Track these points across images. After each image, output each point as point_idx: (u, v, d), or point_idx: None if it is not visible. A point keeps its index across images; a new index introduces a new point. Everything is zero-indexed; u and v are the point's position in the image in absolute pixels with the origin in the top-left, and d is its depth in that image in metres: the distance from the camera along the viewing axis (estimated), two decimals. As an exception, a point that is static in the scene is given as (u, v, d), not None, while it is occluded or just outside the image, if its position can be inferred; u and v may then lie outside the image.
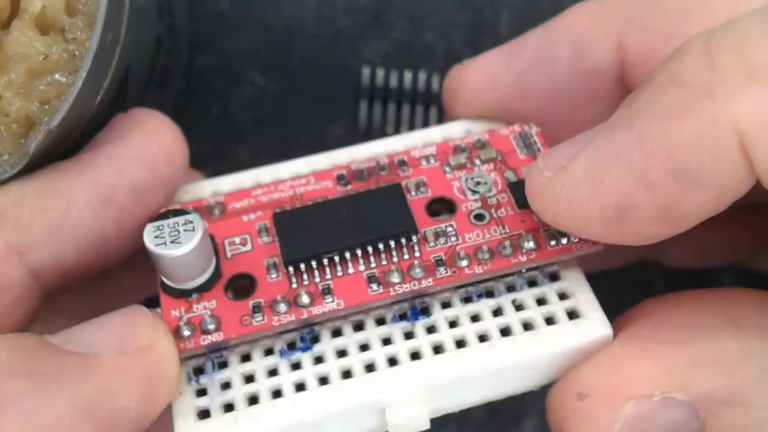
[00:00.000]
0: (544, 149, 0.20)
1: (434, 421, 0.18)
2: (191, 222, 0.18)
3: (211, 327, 0.17)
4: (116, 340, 0.16)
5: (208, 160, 0.28)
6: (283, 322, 0.17)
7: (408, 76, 0.28)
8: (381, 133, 0.29)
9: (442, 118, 0.28)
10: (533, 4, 0.28)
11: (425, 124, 0.29)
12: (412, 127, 0.29)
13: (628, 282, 0.26)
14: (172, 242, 0.17)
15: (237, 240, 0.19)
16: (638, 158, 0.15)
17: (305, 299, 0.18)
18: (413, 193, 0.19)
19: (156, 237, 0.17)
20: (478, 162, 0.20)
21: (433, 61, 0.29)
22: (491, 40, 0.28)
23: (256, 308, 0.18)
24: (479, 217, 0.19)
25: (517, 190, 0.19)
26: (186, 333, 0.17)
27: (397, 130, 0.29)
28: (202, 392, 0.18)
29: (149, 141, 0.19)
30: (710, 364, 0.17)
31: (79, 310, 0.21)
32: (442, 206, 0.19)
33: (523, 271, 0.18)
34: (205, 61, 0.28)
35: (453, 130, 0.21)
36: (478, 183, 0.19)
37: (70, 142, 0.19)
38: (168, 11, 0.24)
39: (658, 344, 0.17)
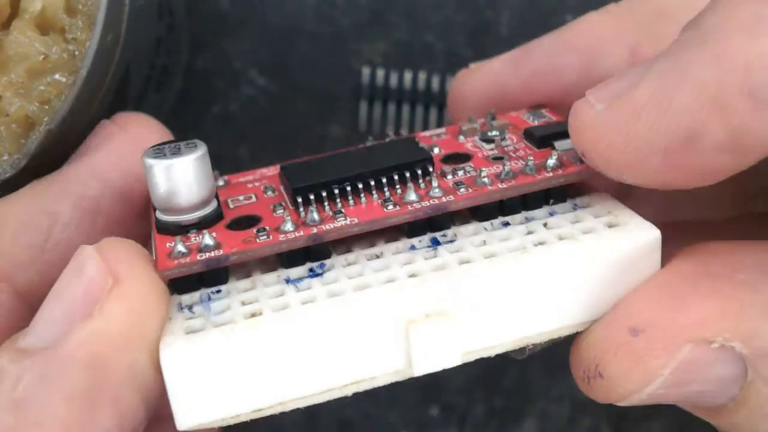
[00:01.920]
0: (557, 117, 0.19)
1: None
2: (194, 143, 0.16)
3: (210, 244, 0.16)
4: (79, 307, 0.15)
5: (208, 160, 0.28)
6: (291, 238, 0.16)
7: (408, 76, 0.28)
8: (381, 133, 0.29)
9: (442, 118, 0.28)
10: (533, 4, 0.28)
11: (425, 124, 0.29)
12: (412, 127, 0.29)
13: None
14: (172, 154, 0.16)
15: (241, 198, 0.18)
16: (712, 75, 0.14)
17: (315, 217, 0.16)
18: (426, 148, 0.18)
19: (155, 154, 0.16)
20: (489, 131, 0.19)
21: (433, 61, 0.28)
22: (491, 40, 0.28)
23: (261, 230, 0.16)
24: (498, 159, 0.18)
25: (533, 134, 0.18)
26: (181, 251, 0.16)
27: (397, 131, 0.29)
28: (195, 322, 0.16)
29: (135, 146, 0.18)
30: None
31: None
32: (457, 160, 0.18)
33: (551, 202, 0.17)
34: (205, 61, 0.28)
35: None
36: (493, 136, 0.19)
37: (70, 142, 0.19)
38: (168, 11, 0.24)
39: (731, 286, 0.15)
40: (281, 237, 0.16)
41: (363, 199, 0.17)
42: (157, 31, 0.23)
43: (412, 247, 0.16)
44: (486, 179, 0.17)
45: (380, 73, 0.28)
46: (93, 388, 0.14)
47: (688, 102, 0.14)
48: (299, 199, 0.17)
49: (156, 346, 0.15)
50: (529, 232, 0.17)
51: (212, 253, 0.15)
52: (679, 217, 0.22)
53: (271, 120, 0.29)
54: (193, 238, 0.16)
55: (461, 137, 0.19)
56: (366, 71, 0.28)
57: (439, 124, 0.28)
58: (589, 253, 0.16)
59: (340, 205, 0.16)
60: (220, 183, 0.19)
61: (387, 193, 0.17)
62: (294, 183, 0.17)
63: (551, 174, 0.17)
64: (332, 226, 0.16)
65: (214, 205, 0.17)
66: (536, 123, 0.19)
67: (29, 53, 0.18)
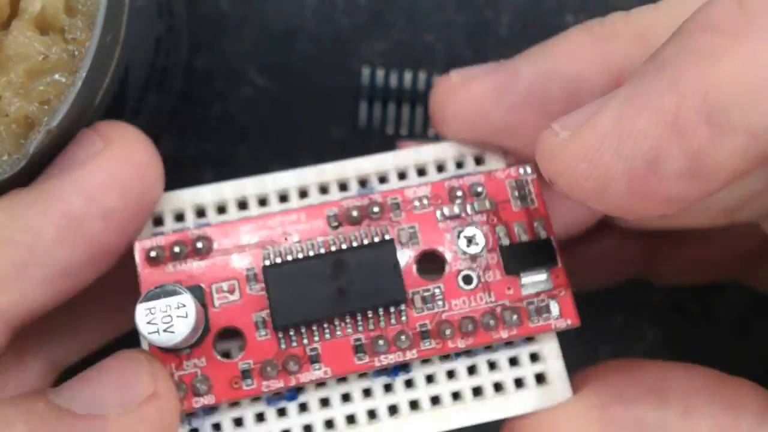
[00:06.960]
0: (539, 201, 0.19)
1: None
2: (184, 306, 0.17)
3: (203, 389, 0.18)
4: (119, 395, 0.16)
5: (208, 160, 0.28)
6: (272, 388, 0.18)
7: (408, 76, 0.28)
8: (381, 133, 0.29)
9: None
10: (533, 4, 0.28)
11: (425, 124, 0.29)
12: (411, 127, 0.29)
13: (618, 303, 0.26)
14: (165, 330, 0.17)
15: (225, 286, 0.19)
16: (671, 102, 0.14)
17: (293, 366, 0.18)
18: (404, 242, 0.19)
19: (149, 323, 0.17)
20: (470, 211, 0.19)
21: (433, 61, 0.28)
22: (491, 41, 0.28)
23: (246, 373, 0.18)
24: (467, 279, 0.19)
25: (508, 254, 0.19)
26: (180, 393, 0.18)
27: (397, 131, 0.29)
28: None
29: (121, 162, 0.18)
30: (628, 429, 0.18)
31: (49, 332, 0.21)
32: (432, 260, 0.19)
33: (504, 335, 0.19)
34: (205, 61, 0.28)
35: (446, 153, 0.21)
36: (470, 241, 0.19)
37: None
38: (168, 11, 0.24)
39: (589, 402, 0.18)
40: (264, 387, 0.18)
41: (339, 332, 0.19)
42: (157, 31, 0.23)
43: (375, 373, 0.19)
44: (449, 331, 0.19)
45: (380, 73, 0.28)
46: None
47: (649, 128, 0.14)
48: (280, 335, 0.19)
49: None
50: (473, 367, 0.19)
51: (204, 400, 0.18)
52: (665, 225, 0.22)
53: (271, 120, 0.29)
54: (185, 363, 0.18)
55: (440, 218, 0.19)
56: (366, 71, 0.28)
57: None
58: (514, 410, 0.19)
59: (317, 338, 0.19)
60: (201, 248, 0.19)
61: (361, 328, 0.19)
62: (279, 320, 0.18)
63: (506, 335, 0.19)
64: (308, 378, 0.18)
65: (200, 330, 0.18)
66: (518, 209, 0.20)
67: (29, 53, 0.18)
